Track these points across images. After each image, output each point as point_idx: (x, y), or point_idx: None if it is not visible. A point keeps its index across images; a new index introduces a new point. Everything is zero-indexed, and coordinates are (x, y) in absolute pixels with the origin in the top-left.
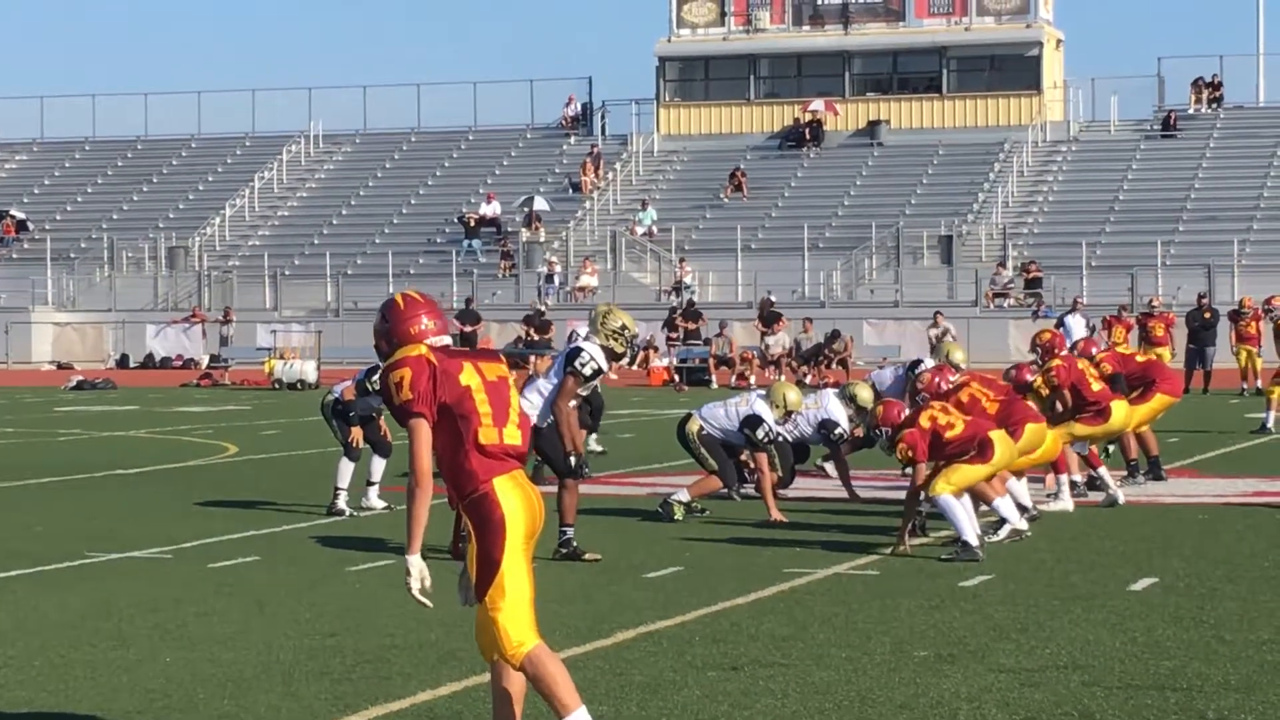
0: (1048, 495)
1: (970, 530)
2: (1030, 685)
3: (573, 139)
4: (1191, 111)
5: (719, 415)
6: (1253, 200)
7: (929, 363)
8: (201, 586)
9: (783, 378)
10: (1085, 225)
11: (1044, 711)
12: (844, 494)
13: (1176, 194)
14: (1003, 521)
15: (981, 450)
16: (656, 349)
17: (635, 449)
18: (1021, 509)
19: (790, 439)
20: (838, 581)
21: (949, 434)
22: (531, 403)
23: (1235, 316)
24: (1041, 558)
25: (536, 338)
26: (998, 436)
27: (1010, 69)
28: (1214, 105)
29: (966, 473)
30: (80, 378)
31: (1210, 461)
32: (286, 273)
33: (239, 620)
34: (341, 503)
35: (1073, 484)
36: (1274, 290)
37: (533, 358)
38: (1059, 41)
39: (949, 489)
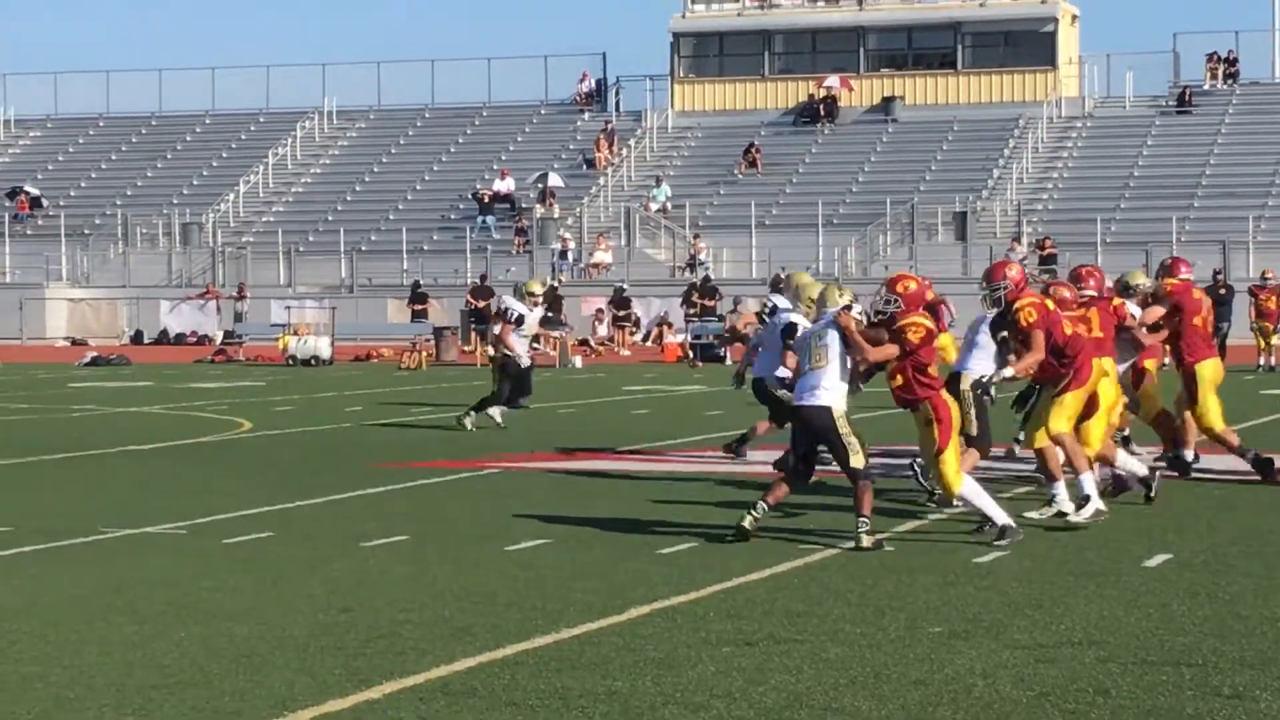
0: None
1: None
2: (1045, 661)
3: (587, 115)
4: (1207, 87)
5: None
6: (1268, 176)
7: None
8: (215, 562)
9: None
10: (1100, 201)
11: (1059, 687)
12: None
13: (1192, 170)
14: (1086, 499)
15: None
16: (671, 325)
17: (649, 425)
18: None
19: None
20: (852, 557)
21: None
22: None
23: (1257, 291)
24: (1056, 534)
25: (550, 314)
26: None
27: (1025, 45)
28: (1229, 81)
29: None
30: (94, 354)
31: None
32: (301, 249)
33: (253, 595)
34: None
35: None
36: None
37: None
38: (1074, 17)
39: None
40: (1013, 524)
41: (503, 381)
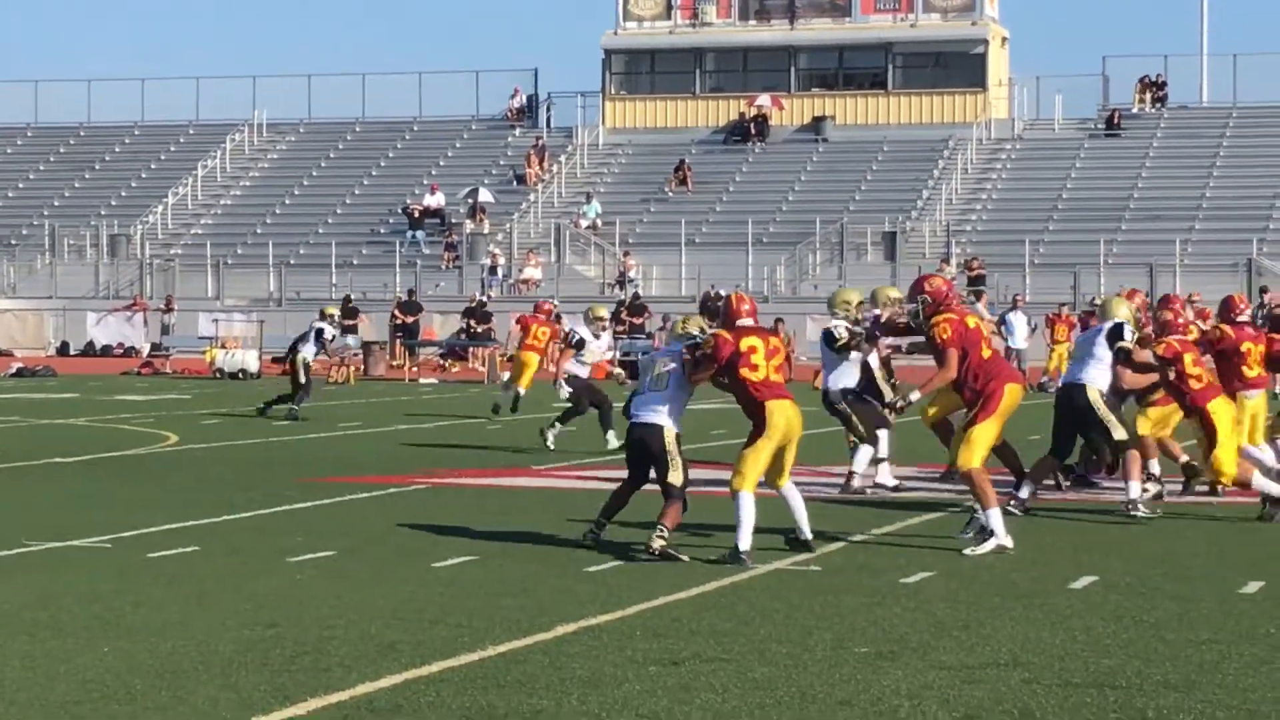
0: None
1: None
2: (971, 682)
3: (518, 131)
4: (1135, 111)
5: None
6: (1195, 200)
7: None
8: (140, 576)
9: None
10: (1028, 223)
11: (984, 709)
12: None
13: (1120, 193)
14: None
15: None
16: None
17: (579, 442)
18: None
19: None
20: (779, 577)
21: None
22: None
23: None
24: (983, 555)
25: (478, 329)
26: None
27: (955, 66)
28: (1158, 105)
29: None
30: (20, 365)
31: None
32: (229, 262)
33: (178, 610)
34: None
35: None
36: (1214, 289)
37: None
38: (1004, 39)
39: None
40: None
41: (581, 400)
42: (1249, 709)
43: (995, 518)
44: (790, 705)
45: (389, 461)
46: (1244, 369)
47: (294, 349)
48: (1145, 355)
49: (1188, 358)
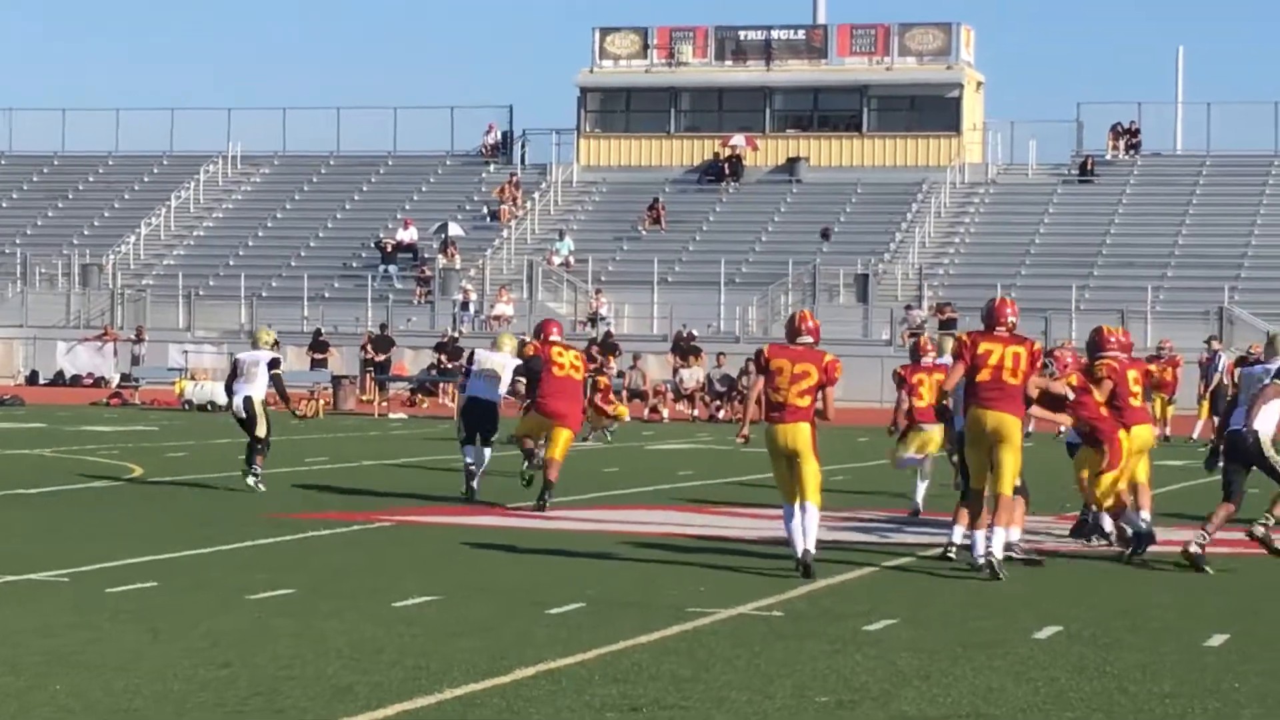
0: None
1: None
2: None
3: (492, 167)
4: (1109, 157)
5: None
6: (1168, 247)
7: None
8: (97, 612)
9: (696, 412)
10: (1001, 267)
11: None
12: (751, 534)
13: (1092, 239)
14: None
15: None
16: None
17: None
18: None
19: None
20: (741, 622)
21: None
22: None
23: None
24: (946, 603)
25: (449, 365)
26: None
27: (930, 110)
28: (1131, 152)
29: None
30: None
31: None
32: (200, 293)
33: (133, 647)
34: None
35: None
36: (1186, 336)
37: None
38: (979, 84)
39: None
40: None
41: None
42: None
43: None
44: None
45: (355, 498)
46: (1130, 400)
47: (231, 391)
48: None
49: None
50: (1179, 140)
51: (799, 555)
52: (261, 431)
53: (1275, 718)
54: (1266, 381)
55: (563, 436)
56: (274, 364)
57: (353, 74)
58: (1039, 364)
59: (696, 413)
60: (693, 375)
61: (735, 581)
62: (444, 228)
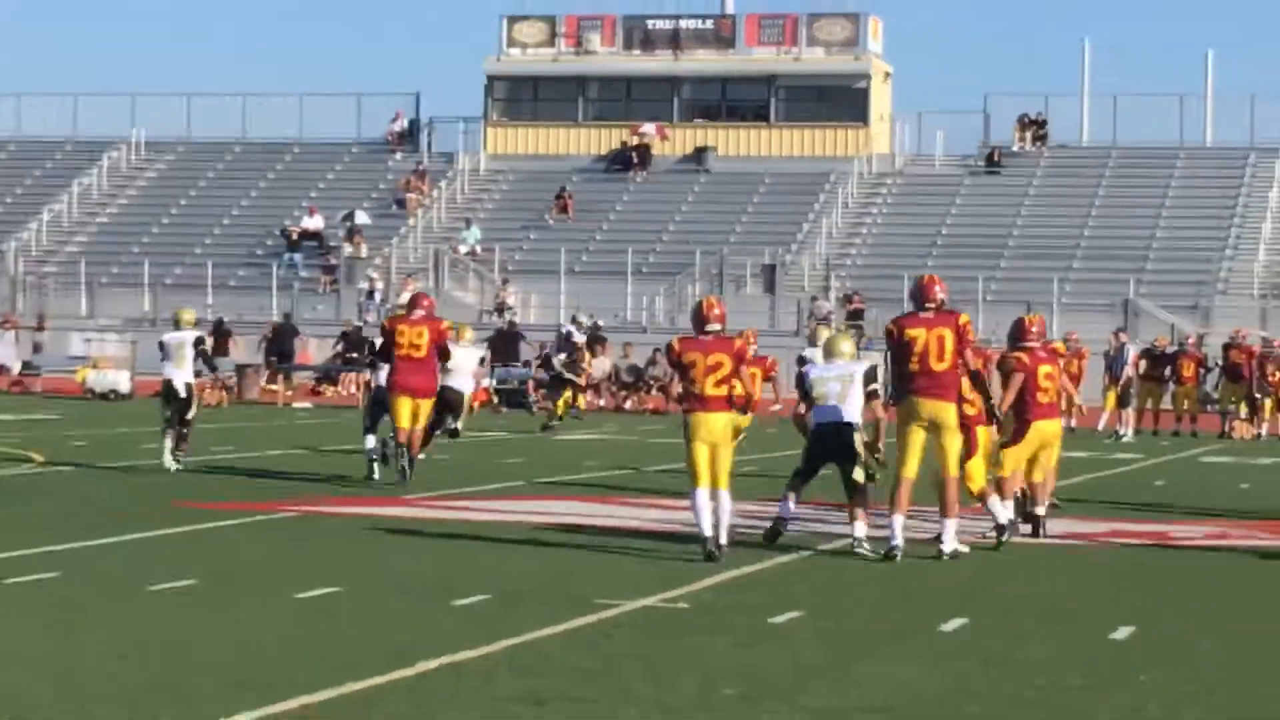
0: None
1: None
2: None
3: (399, 155)
4: (1016, 149)
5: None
6: (1074, 238)
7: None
8: None
9: (603, 402)
10: (908, 259)
11: None
12: (658, 526)
13: (999, 230)
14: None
15: None
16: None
17: (451, 471)
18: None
19: None
20: (648, 614)
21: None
22: None
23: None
24: (854, 595)
25: (352, 354)
26: None
27: (838, 100)
28: (1038, 143)
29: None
30: None
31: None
32: (104, 281)
33: (31, 640)
34: None
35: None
36: (1092, 328)
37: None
38: (887, 75)
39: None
40: None
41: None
42: None
43: None
44: None
45: (259, 488)
46: (1039, 396)
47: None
48: None
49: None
50: (1085, 132)
51: (706, 536)
52: (192, 414)
53: (1181, 710)
54: None
55: (422, 409)
56: (199, 341)
57: (259, 60)
58: (971, 336)
59: (604, 403)
60: (600, 366)
61: (642, 573)
62: (351, 216)
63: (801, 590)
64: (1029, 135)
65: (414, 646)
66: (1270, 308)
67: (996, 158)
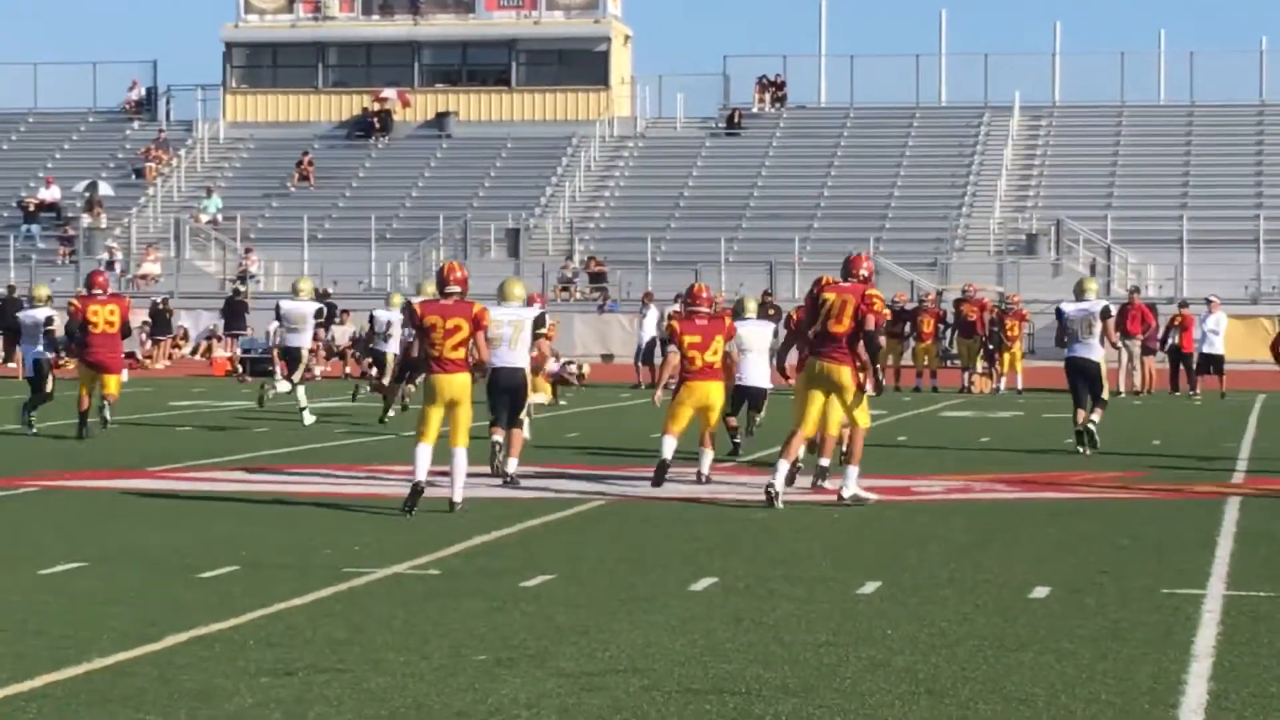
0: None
1: None
2: (589, 690)
3: (136, 124)
4: (756, 110)
5: None
6: (814, 198)
7: None
8: None
9: (349, 370)
10: (651, 221)
11: (602, 717)
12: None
13: (740, 191)
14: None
15: None
16: (220, 339)
17: (195, 442)
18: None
19: None
20: (397, 581)
21: None
22: None
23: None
24: (603, 557)
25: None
26: None
27: (579, 64)
28: (777, 104)
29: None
30: None
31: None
32: None
33: None
34: None
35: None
36: None
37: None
38: (627, 38)
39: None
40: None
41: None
42: (867, 713)
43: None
44: (406, 716)
45: None
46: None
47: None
48: None
49: None
50: (823, 93)
51: (417, 485)
52: (49, 388)
53: (927, 661)
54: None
55: (113, 381)
56: (48, 321)
57: None
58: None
59: (349, 370)
60: (344, 333)
61: (390, 541)
62: (95, 186)
63: (552, 554)
64: (768, 97)
65: (160, 621)
66: (1006, 263)
67: (736, 119)
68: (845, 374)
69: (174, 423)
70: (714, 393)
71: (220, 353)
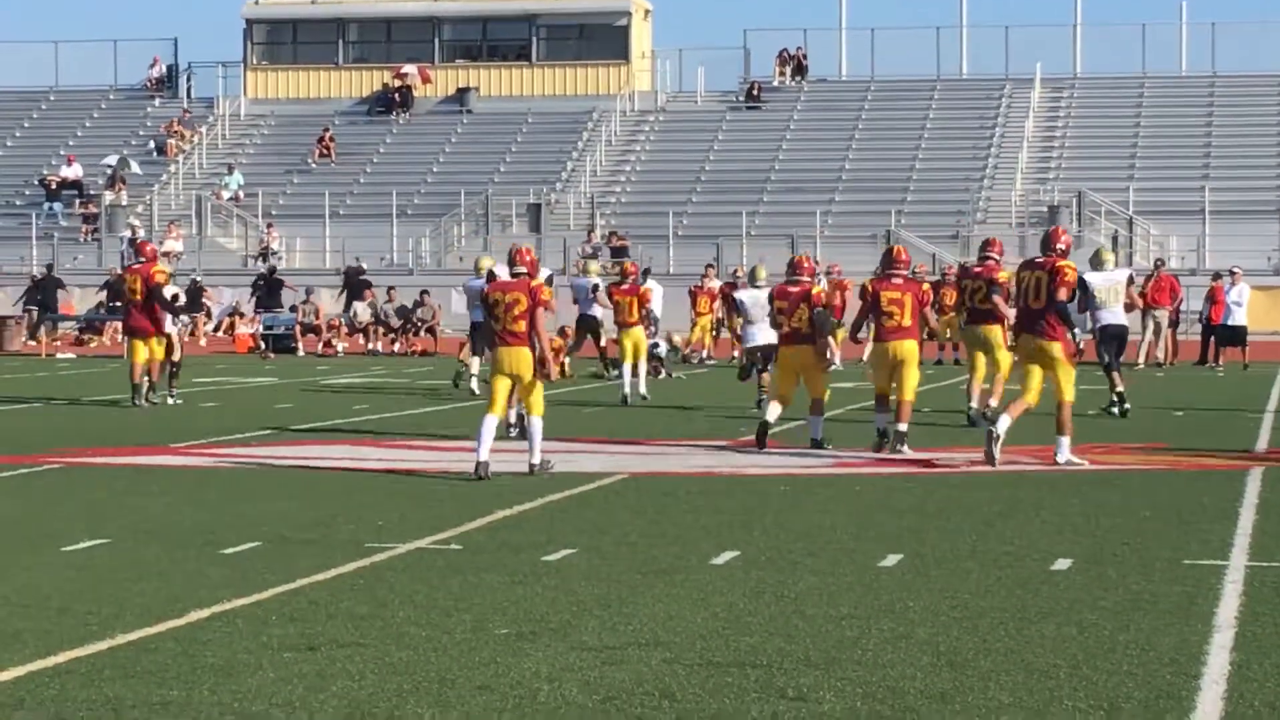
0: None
1: None
2: (612, 663)
3: (158, 101)
4: (776, 84)
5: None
6: (835, 172)
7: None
8: None
9: (372, 345)
10: (672, 195)
11: (624, 690)
12: (428, 467)
13: (761, 165)
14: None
15: None
16: (243, 315)
17: (218, 418)
18: None
19: None
20: (420, 556)
21: None
22: None
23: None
24: (625, 531)
25: (116, 304)
26: None
27: (599, 38)
28: (798, 78)
29: None
30: None
31: (795, 432)
32: None
33: None
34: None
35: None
36: (854, 260)
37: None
38: (647, 12)
39: None
40: None
41: None
42: (889, 685)
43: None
44: (428, 691)
45: (22, 440)
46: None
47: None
48: None
49: None
50: (844, 66)
51: (481, 461)
52: (176, 357)
53: (948, 634)
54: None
55: (143, 348)
56: (175, 298)
57: (11, 7)
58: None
59: (372, 346)
60: (366, 309)
61: (413, 516)
62: (125, 162)
63: (574, 527)
64: (789, 70)
65: (183, 597)
66: (1029, 235)
67: (757, 93)
68: (1056, 348)
69: (199, 399)
70: (804, 356)
71: (243, 330)
